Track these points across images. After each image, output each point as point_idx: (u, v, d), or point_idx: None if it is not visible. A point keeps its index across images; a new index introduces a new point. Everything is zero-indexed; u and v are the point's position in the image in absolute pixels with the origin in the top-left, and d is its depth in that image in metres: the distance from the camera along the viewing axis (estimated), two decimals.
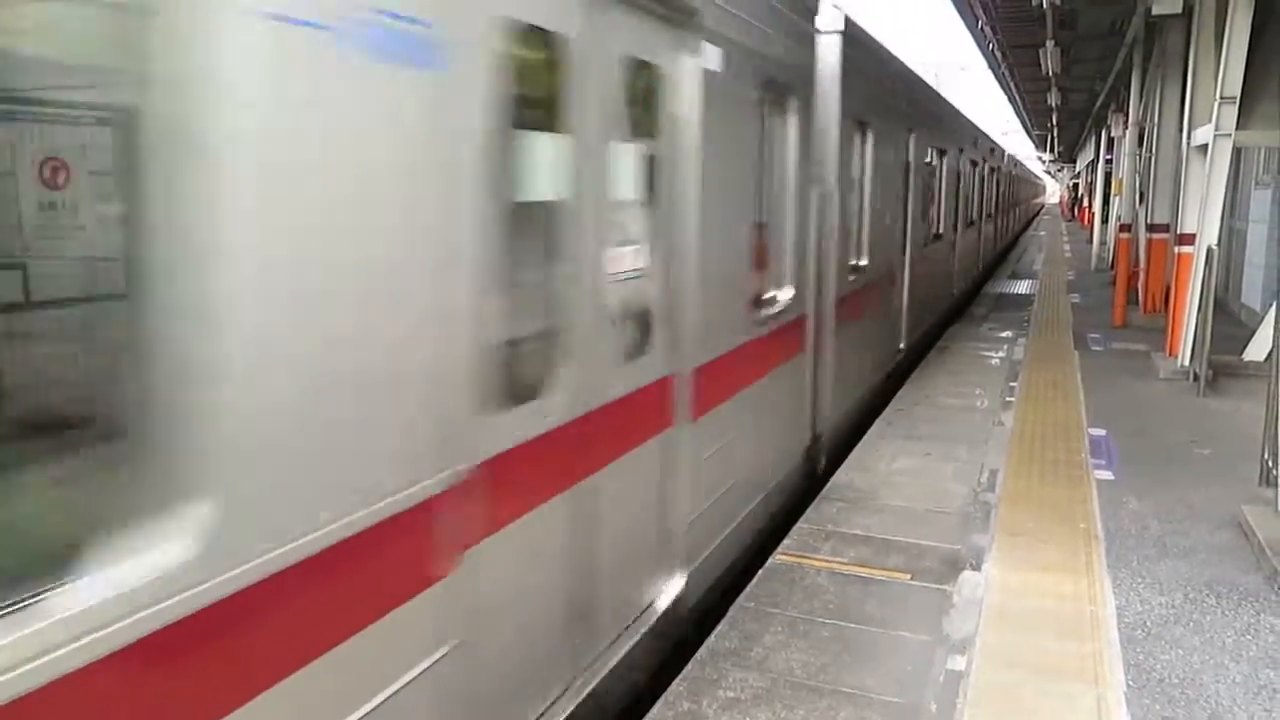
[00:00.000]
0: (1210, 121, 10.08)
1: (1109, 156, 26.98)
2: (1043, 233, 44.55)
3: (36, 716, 1.63)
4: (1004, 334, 13.34)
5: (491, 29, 2.77)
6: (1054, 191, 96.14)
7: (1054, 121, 38.86)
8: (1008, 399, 9.21)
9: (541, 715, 3.28)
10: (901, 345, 10.76)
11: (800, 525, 5.83)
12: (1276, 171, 13.93)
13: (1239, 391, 9.49)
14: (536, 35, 3.13)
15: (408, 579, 2.50)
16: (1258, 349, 10.34)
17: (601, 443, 3.60)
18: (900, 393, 9.46)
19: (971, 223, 18.11)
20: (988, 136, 22.21)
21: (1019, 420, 8.38)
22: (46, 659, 1.64)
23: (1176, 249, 11.63)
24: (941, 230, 13.73)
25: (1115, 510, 6.15)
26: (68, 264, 2.88)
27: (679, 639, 4.48)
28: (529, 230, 3.21)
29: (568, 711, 3.39)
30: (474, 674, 2.82)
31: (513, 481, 2.99)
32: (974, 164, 17.99)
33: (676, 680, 4.02)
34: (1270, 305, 10.13)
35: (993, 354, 11.76)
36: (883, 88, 8.78)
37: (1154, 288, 15.21)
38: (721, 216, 4.69)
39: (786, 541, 5.57)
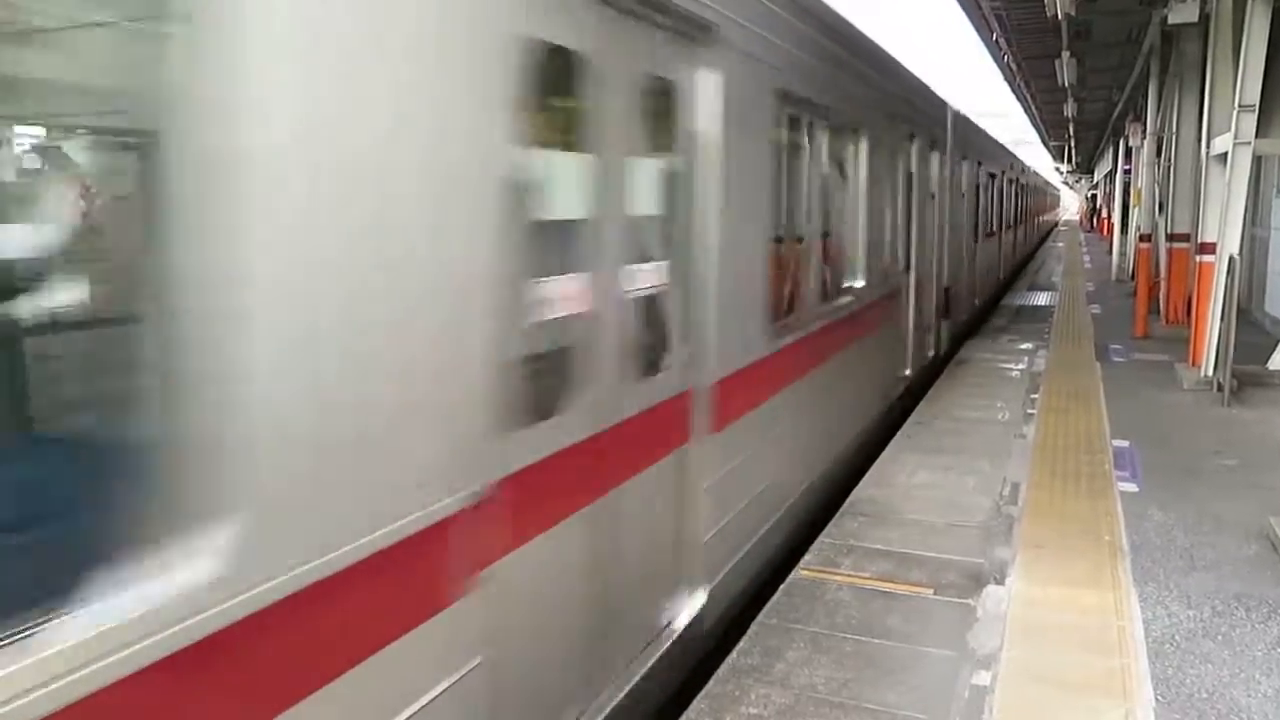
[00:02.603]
0: (1229, 130, 10.01)
1: (1127, 166, 26.86)
2: (1060, 244, 44.34)
3: None
4: (1024, 346, 13.25)
5: None
6: (1071, 204, 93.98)
7: (1071, 132, 38.76)
8: (1029, 411, 9.14)
9: None
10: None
11: (821, 540, 5.80)
12: None
13: (1264, 401, 9.39)
14: None
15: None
16: None
17: None
18: (919, 406, 9.41)
19: (977, 238, 14.93)
20: (987, 135, 17.96)
21: (1041, 432, 8.31)
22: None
23: (1197, 258, 11.54)
24: (913, 260, 9.87)
25: (1140, 522, 6.08)
26: None
27: None
28: None
29: None
30: None
31: None
32: (967, 168, 13.92)
33: (698, 698, 4.00)
34: None
35: (1013, 366, 11.68)
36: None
37: (1175, 298, 15.09)
38: None
39: (807, 557, 5.53)
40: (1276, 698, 3.99)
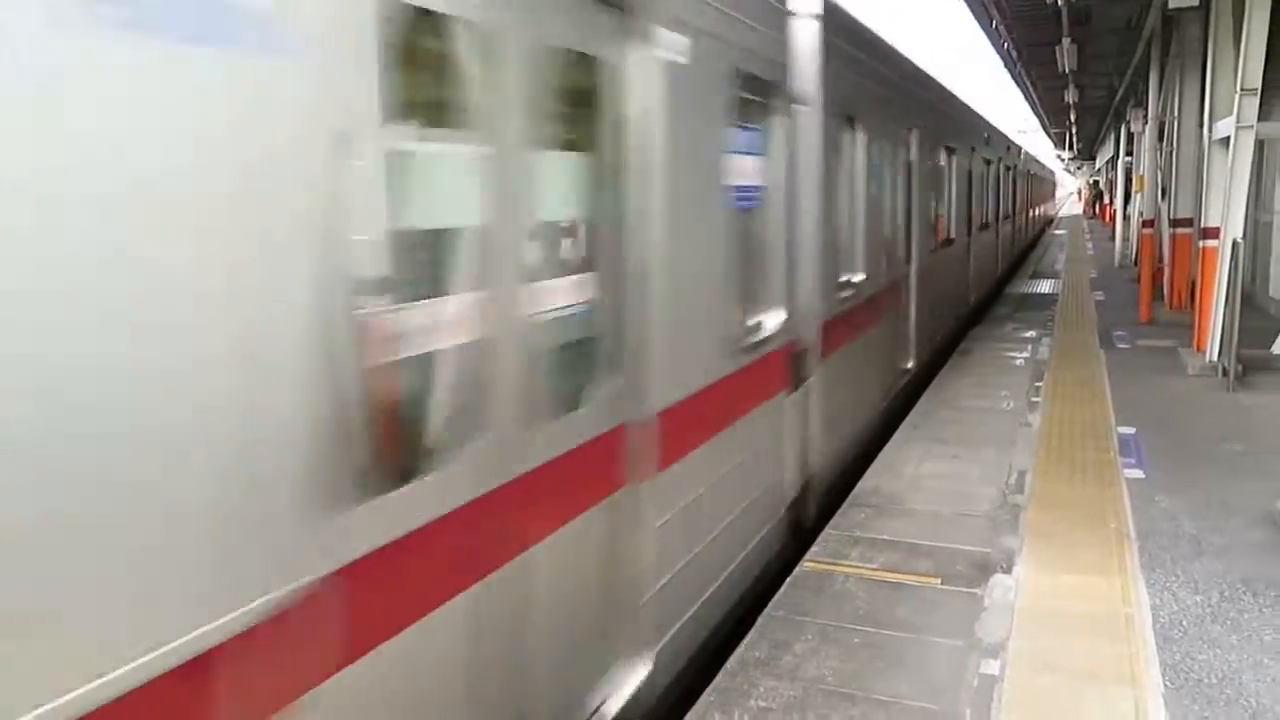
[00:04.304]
0: (1231, 114, 9.98)
1: (1129, 153, 26.77)
2: (1062, 231, 44.24)
3: None
4: (1028, 333, 13.24)
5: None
6: (1072, 193, 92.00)
7: (1072, 119, 38.61)
8: (1034, 399, 9.13)
9: None
10: None
11: (828, 532, 5.80)
12: None
13: (1270, 386, 9.37)
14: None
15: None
16: None
17: None
18: (925, 395, 9.41)
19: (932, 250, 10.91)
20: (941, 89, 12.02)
21: (1046, 420, 8.31)
22: None
23: (1201, 243, 11.52)
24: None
25: (1147, 509, 6.08)
26: None
27: None
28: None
29: None
30: None
31: None
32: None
33: (706, 691, 4.00)
34: None
35: (1017, 354, 11.67)
36: None
37: (1179, 283, 15.06)
38: None
39: (814, 549, 5.54)
40: None
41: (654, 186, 3.71)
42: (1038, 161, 39.23)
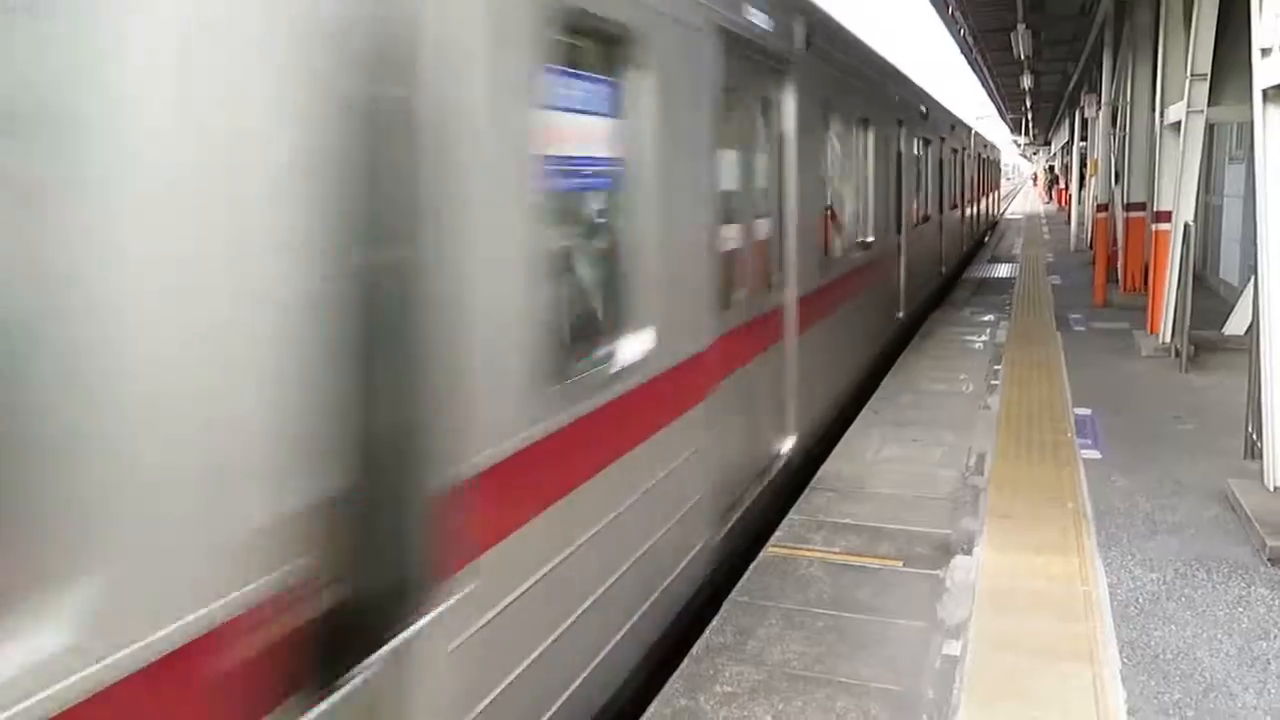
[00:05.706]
0: (1182, 99, 10.13)
1: (1083, 139, 27.10)
2: (1019, 216, 44.75)
3: None
4: (986, 317, 13.39)
5: None
6: (1028, 178, 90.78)
7: (1028, 105, 39.02)
8: (992, 382, 9.24)
9: None
10: None
11: (791, 517, 5.83)
12: (1249, 146, 14.01)
13: (1221, 366, 9.55)
14: None
15: None
16: (1238, 323, 10.41)
17: None
18: (885, 380, 9.48)
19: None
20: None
21: (1004, 403, 8.41)
22: None
23: (1154, 227, 11.71)
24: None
25: (1103, 489, 6.17)
26: None
27: None
28: None
29: None
30: None
31: None
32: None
33: (673, 677, 4.00)
34: (1248, 279, 10.21)
35: (976, 338, 11.80)
36: None
37: (1133, 266, 15.28)
38: None
39: (778, 534, 5.56)
40: (1238, 656, 4.07)
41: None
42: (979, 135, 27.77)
